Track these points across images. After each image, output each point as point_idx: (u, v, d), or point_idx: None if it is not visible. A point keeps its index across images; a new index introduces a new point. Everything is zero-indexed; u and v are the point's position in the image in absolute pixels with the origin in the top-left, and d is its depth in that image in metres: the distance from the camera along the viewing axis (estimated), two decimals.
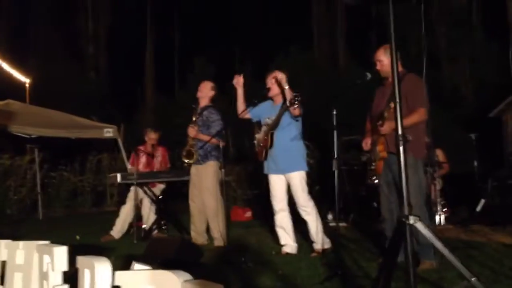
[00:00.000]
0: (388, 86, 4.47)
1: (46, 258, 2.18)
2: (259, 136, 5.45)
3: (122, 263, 4.58)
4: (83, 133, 10.82)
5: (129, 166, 7.66)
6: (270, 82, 5.30)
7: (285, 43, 20.67)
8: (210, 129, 5.90)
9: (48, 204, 11.82)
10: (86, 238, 6.95)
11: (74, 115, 11.31)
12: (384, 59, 4.46)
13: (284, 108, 5.13)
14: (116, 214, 7.28)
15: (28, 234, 7.09)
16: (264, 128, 5.36)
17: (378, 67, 4.56)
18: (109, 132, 10.87)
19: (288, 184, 5.30)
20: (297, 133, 5.25)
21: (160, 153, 7.64)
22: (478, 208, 6.96)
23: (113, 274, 1.75)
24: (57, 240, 2.38)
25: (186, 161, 6.04)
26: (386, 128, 4.30)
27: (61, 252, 2.13)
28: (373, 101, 4.78)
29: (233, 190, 10.76)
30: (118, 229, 7.02)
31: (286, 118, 5.18)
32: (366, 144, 4.74)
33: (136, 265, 1.82)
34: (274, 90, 5.29)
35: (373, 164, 4.63)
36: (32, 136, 10.45)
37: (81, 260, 1.90)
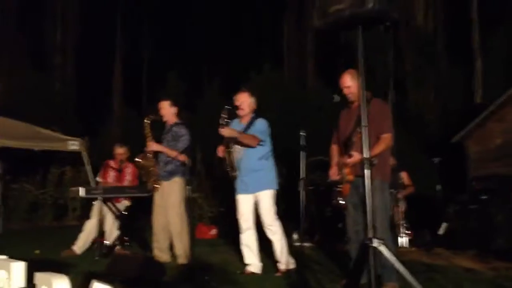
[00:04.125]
0: (355, 110, 4.52)
1: (3, 274, 2.12)
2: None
3: (82, 280, 4.47)
4: (47, 145, 10.59)
5: (98, 179, 7.53)
6: (239, 101, 5.31)
7: (254, 62, 20.80)
8: (178, 143, 5.87)
9: (8, 217, 11.49)
10: (46, 253, 6.76)
11: (38, 127, 11.07)
12: (352, 85, 4.50)
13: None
14: (77, 228, 7.12)
15: None
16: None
17: (346, 92, 4.58)
18: (74, 144, 10.67)
19: (255, 202, 5.29)
20: (265, 152, 5.26)
21: (130, 170, 7.51)
22: (441, 232, 7.08)
23: None
24: (16, 255, 2.31)
25: (155, 186, 5.98)
26: (354, 159, 4.30)
27: (18, 268, 2.07)
28: (339, 123, 4.82)
29: (199, 207, 10.67)
30: (81, 244, 6.85)
31: None
32: (334, 173, 4.74)
33: (96, 284, 1.78)
34: (244, 110, 5.30)
35: (339, 186, 4.66)
36: None
37: (39, 276, 1.85)
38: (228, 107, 5.16)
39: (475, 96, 17.86)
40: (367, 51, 2.80)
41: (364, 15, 2.58)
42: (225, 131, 5.06)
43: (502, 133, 12.53)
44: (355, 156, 4.26)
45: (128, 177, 7.46)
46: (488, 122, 12.80)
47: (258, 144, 5.19)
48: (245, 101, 5.30)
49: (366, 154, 2.63)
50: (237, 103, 5.31)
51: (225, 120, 5.12)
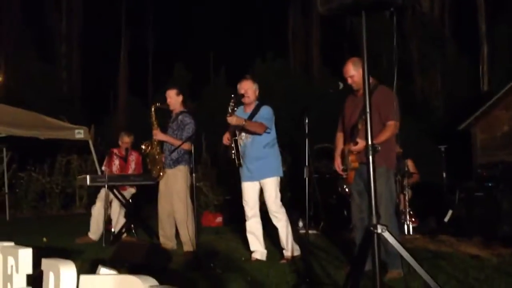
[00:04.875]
0: (360, 97, 4.50)
1: (10, 260, 2.13)
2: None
3: (89, 267, 4.52)
4: (54, 133, 10.64)
5: (103, 168, 7.58)
6: (244, 89, 5.30)
7: (260, 51, 20.75)
8: (183, 132, 5.88)
9: (16, 205, 11.58)
10: (53, 241, 6.82)
11: (44, 115, 11.12)
12: (355, 74, 4.49)
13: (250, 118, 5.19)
14: (84, 217, 7.18)
15: None
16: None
17: (350, 81, 4.55)
18: (80, 133, 10.71)
19: (260, 190, 5.31)
20: (270, 139, 5.27)
21: (134, 158, 7.55)
22: (446, 219, 7.07)
23: (78, 278, 1.72)
24: (23, 242, 2.33)
25: (161, 174, 6.00)
26: (360, 146, 4.30)
27: (25, 254, 2.09)
28: (344, 110, 4.80)
29: (205, 195, 10.70)
30: (95, 229, 6.95)
31: None
32: (338, 166, 4.73)
33: (102, 269, 1.79)
34: (250, 98, 5.30)
35: (345, 173, 4.66)
36: (1, 135, 10.23)
37: (46, 262, 1.86)
38: (234, 95, 5.16)
39: (481, 83, 17.75)
40: (372, 38, 2.78)
41: (368, 0, 2.57)
42: (232, 119, 5.05)
43: (509, 121, 12.47)
44: (361, 143, 4.25)
45: (133, 165, 7.51)
46: (495, 110, 12.73)
47: (264, 132, 5.19)
48: (249, 88, 5.29)
49: (369, 141, 2.63)
50: (241, 91, 5.29)
51: (233, 108, 5.11)
